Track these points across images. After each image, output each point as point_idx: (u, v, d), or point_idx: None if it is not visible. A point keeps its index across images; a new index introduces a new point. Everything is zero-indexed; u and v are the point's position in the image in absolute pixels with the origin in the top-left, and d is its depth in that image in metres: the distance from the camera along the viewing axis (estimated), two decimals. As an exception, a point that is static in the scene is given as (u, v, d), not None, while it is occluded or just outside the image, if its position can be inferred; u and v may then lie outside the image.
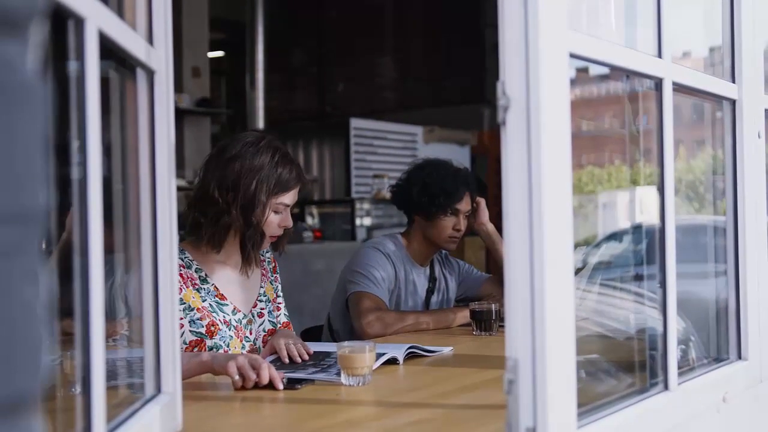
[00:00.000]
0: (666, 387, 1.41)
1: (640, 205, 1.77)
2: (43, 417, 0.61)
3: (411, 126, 7.58)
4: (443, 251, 2.99)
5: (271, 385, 1.75)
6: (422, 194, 2.81)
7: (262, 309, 2.27)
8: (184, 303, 2.09)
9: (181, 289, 2.08)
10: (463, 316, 2.69)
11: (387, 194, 5.70)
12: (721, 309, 1.77)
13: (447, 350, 2.23)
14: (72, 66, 0.91)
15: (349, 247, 5.60)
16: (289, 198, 2.18)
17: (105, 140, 0.95)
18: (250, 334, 2.21)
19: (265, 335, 2.25)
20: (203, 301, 2.13)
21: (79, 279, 0.91)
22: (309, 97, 9.42)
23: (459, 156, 6.40)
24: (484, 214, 2.93)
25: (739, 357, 1.72)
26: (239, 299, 2.22)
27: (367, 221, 6.77)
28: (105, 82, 1.06)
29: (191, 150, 6.87)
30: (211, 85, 7.50)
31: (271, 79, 7.45)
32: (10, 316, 0.57)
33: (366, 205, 6.80)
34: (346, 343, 1.83)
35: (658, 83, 1.42)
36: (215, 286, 2.17)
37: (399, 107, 8.64)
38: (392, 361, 2.00)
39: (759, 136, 1.76)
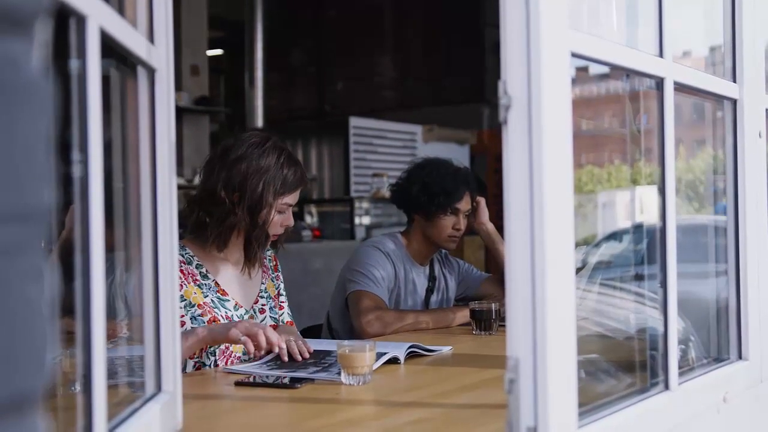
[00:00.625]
0: (666, 387, 1.41)
1: (640, 205, 1.77)
2: (47, 416, 0.61)
3: (410, 125, 7.57)
4: (443, 250, 2.99)
5: (271, 385, 1.76)
6: (422, 193, 2.81)
7: (263, 305, 2.28)
8: (185, 299, 2.09)
9: (182, 285, 2.09)
10: (463, 315, 2.68)
11: (386, 193, 5.70)
12: (722, 309, 1.77)
13: (447, 350, 2.23)
14: (73, 64, 0.91)
15: (348, 246, 5.59)
16: (293, 198, 2.20)
17: (105, 138, 0.95)
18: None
19: (266, 332, 2.25)
20: (205, 297, 2.13)
21: (80, 277, 0.91)
22: (308, 95, 9.41)
23: (458, 155, 6.39)
24: (484, 214, 2.93)
25: (740, 357, 1.72)
26: (240, 295, 2.23)
27: (366, 220, 6.76)
28: (106, 80, 1.06)
29: (190, 148, 6.87)
30: (210, 83, 7.50)
31: (270, 77, 7.43)
32: (14, 314, 0.57)
33: (365, 204, 6.79)
34: (346, 343, 1.83)
35: (659, 83, 1.42)
36: (216, 282, 2.18)
37: (398, 106, 8.64)
38: (392, 360, 2.00)
39: (760, 136, 1.76)
